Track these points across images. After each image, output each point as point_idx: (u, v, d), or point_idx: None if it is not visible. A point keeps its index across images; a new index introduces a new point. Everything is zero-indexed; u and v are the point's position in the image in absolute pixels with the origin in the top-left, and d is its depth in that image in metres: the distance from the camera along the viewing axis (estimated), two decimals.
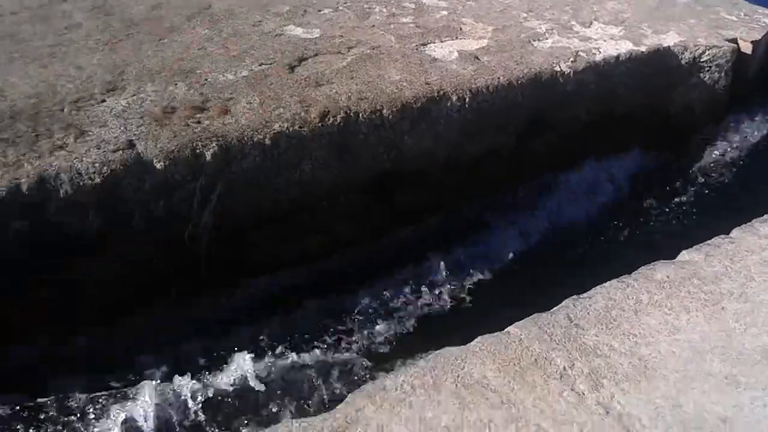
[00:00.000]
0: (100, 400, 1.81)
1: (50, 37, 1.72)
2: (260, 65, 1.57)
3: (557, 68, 1.64)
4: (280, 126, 1.45)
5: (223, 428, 1.83)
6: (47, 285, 1.66)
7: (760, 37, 2.06)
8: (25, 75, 1.54)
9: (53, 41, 1.71)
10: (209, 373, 1.94)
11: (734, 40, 2.00)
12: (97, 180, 1.46)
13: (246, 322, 2.08)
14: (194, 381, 1.90)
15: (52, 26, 1.78)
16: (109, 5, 1.88)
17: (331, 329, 2.09)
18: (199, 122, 1.44)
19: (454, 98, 1.50)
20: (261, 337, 2.06)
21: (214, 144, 1.46)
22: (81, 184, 1.46)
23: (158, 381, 1.88)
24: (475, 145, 1.71)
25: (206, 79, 1.53)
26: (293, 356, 2.01)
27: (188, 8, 1.88)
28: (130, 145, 1.46)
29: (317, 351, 2.04)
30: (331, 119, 1.44)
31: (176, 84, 1.52)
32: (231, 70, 1.54)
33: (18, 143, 1.48)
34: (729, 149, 2.32)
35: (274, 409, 1.88)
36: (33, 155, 1.46)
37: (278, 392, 1.92)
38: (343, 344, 2.07)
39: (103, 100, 1.46)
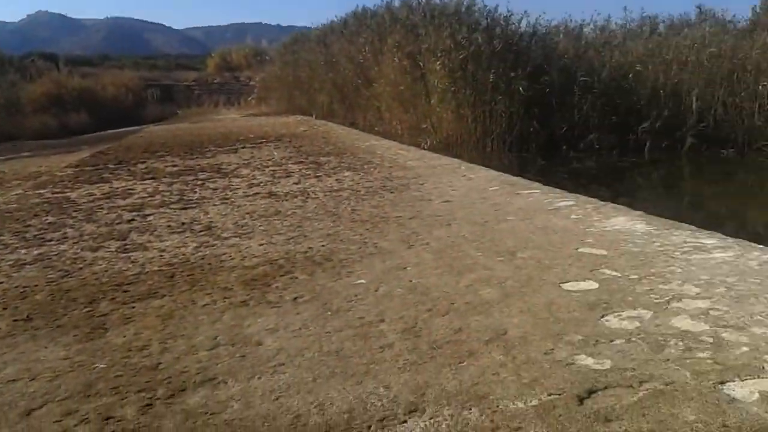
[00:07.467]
0: None
1: (367, 355, 1.86)
2: (549, 395, 1.53)
3: None
4: None
5: None
6: None
7: None
8: (342, 390, 1.66)
9: (369, 359, 1.83)
10: None
11: None
12: None
13: None
14: None
15: (369, 345, 1.93)
16: (418, 328, 2.04)
17: None
18: None
19: None
20: None
21: None
22: None
23: None
24: None
25: (498, 406, 1.51)
26: None
27: (486, 333, 1.96)
28: None
29: None
30: None
31: (470, 409, 1.52)
32: (521, 398, 1.53)
33: None
34: None
35: None
36: None
37: None
38: None
39: (405, 421, 1.51)
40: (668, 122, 9.59)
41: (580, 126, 9.81)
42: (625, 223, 3.27)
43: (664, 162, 8.81)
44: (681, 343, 1.79)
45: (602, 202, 3.86)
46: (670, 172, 8.40)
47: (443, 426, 1.45)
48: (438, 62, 10.28)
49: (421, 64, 10.84)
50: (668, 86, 10.12)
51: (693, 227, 3.17)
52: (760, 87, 9.89)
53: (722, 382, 1.57)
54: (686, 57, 10.44)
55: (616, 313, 2.03)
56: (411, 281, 2.47)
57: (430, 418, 1.47)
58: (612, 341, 1.82)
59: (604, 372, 1.64)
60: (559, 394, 1.53)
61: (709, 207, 6.17)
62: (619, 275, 2.41)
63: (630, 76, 10.33)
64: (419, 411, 1.51)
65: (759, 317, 1.97)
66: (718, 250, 2.71)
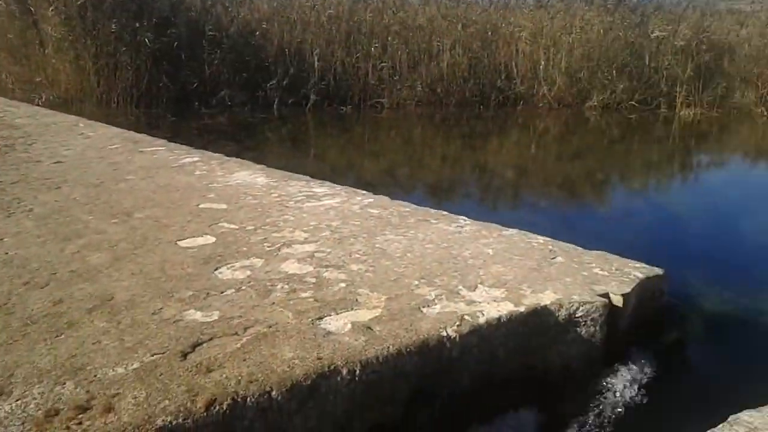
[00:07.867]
0: None
1: None
2: (153, 355, 1.45)
3: (444, 333, 1.67)
4: (163, 420, 1.34)
5: None
6: None
7: (630, 290, 2.10)
8: None
9: None
10: None
11: (606, 295, 2.04)
12: None
13: None
14: None
15: None
16: (11, 303, 1.73)
17: None
18: (80, 423, 1.28)
19: (345, 372, 1.50)
20: None
21: None
22: None
23: None
24: (361, 421, 1.73)
25: (95, 375, 1.37)
26: None
27: (90, 301, 1.73)
28: None
29: None
30: (218, 407, 1.38)
31: (64, 383, 1.35)
32: (122, 364, 1.40)
33: None
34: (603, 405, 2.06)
35: None
36: None
37: None
38: None
39: None
40: (294, 80, 10.11)
41: (212, 82, 9.76)
42: (247, 176, 3.35)
43: (291, 118, 9.30)
44: (287, 286, 1.90)
45: (227, 158, 3.90)
46: (296, 127, 8.90)
47: (32, 405, 1.30)
48: (51, 8, 9.16)
49: (32, 10, 9.54)
50: (293, 45, 10.64)
51: (308, 178, 3.40)
52: (372, 48, 11.02)
53: (320, 318, 1.71)
54: (309, 17, 11.08)
55: (229, 265, 2.07)
56: (7, 253, 2.16)
57: (17, 400, 1.31)
58: (223, 292, 1.85)
59: (210, 324, 1.65)
60: (163, 353, 1.48)
61: (329, 159, 6.72)
62: (237, 227, 2.46)
63: (257, 33, 10.58)
64: (5, 394, 1.34)
65: (356, 255, 2.20)
66: (327, 198, 2.95)
